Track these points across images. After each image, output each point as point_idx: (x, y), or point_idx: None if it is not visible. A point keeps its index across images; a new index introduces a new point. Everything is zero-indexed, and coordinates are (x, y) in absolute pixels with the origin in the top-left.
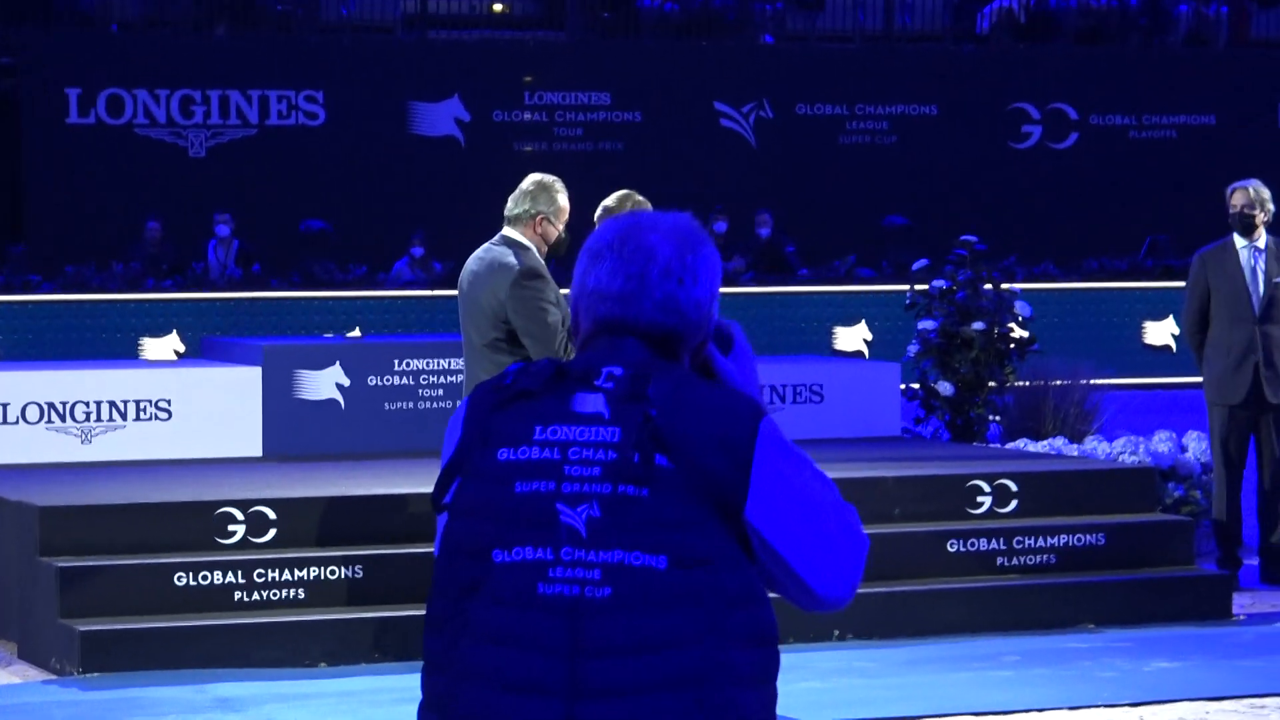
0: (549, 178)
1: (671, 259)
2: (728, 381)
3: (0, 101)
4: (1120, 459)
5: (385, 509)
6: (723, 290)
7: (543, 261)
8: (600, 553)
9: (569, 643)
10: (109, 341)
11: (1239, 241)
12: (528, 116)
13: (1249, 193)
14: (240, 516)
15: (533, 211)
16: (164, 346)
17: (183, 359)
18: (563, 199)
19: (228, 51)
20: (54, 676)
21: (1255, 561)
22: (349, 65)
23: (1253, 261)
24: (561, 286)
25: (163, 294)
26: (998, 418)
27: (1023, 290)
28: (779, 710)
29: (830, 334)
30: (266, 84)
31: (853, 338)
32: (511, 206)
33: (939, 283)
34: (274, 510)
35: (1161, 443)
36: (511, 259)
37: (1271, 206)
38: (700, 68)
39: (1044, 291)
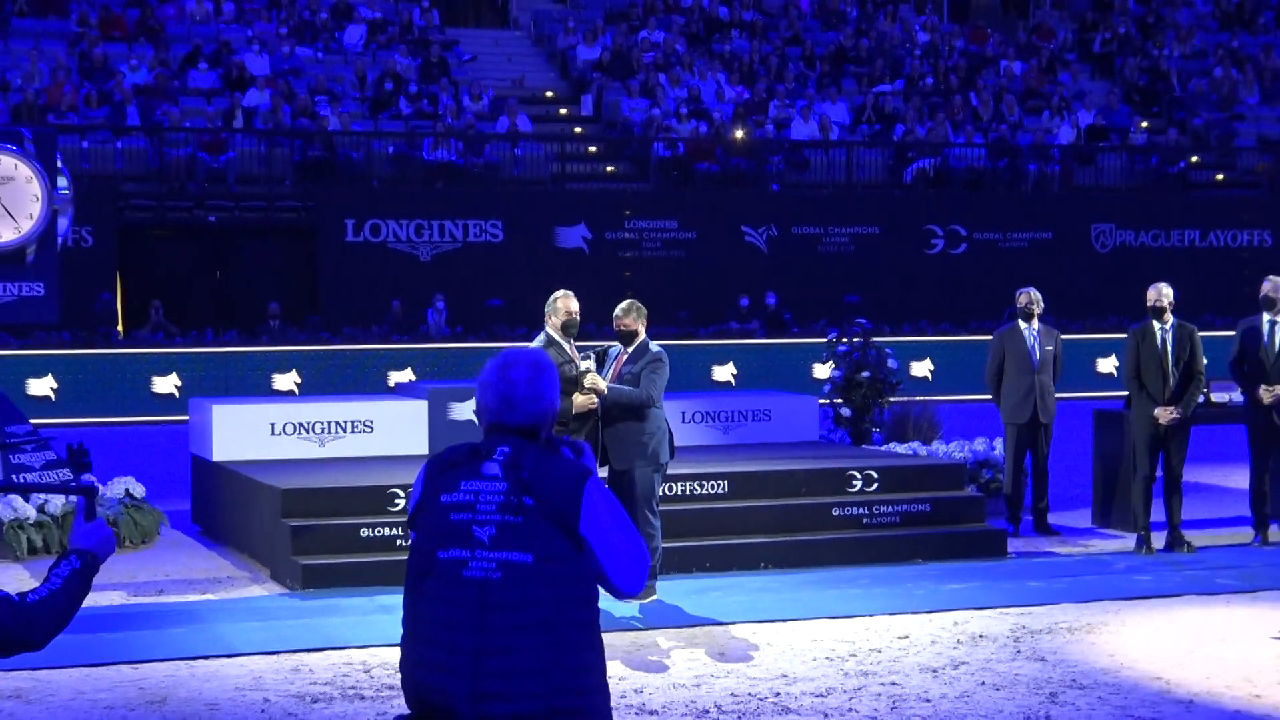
0: (556, 293)
1: (527, 386)
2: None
3: (303, 228)
4: (950, 455)
5: None
6: (742, 341)
7: (547, 338)
8: (497, 553)
9: (479, 604)
10: (370, 375)
11: (1022, 325)
12: (627, 235)
13: (1030, 294)
14: (402, 494)
15: (547, 312)
16: (403, 376)
17: (387, 393)
18: (558, 303)
19: (444, 197)
20: (287, 591)
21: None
22: (519, 204)
23: (1032, 339)
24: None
25: (400, 344)
26: (878, 429)
27: (918, 341)
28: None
29: (811, 369)
30: (468, 215)
31: (824, 371)
32: None
33: (842, 348)
34: None
35: (980, 443)
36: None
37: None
38: (732, 204)
39: (941, 343)
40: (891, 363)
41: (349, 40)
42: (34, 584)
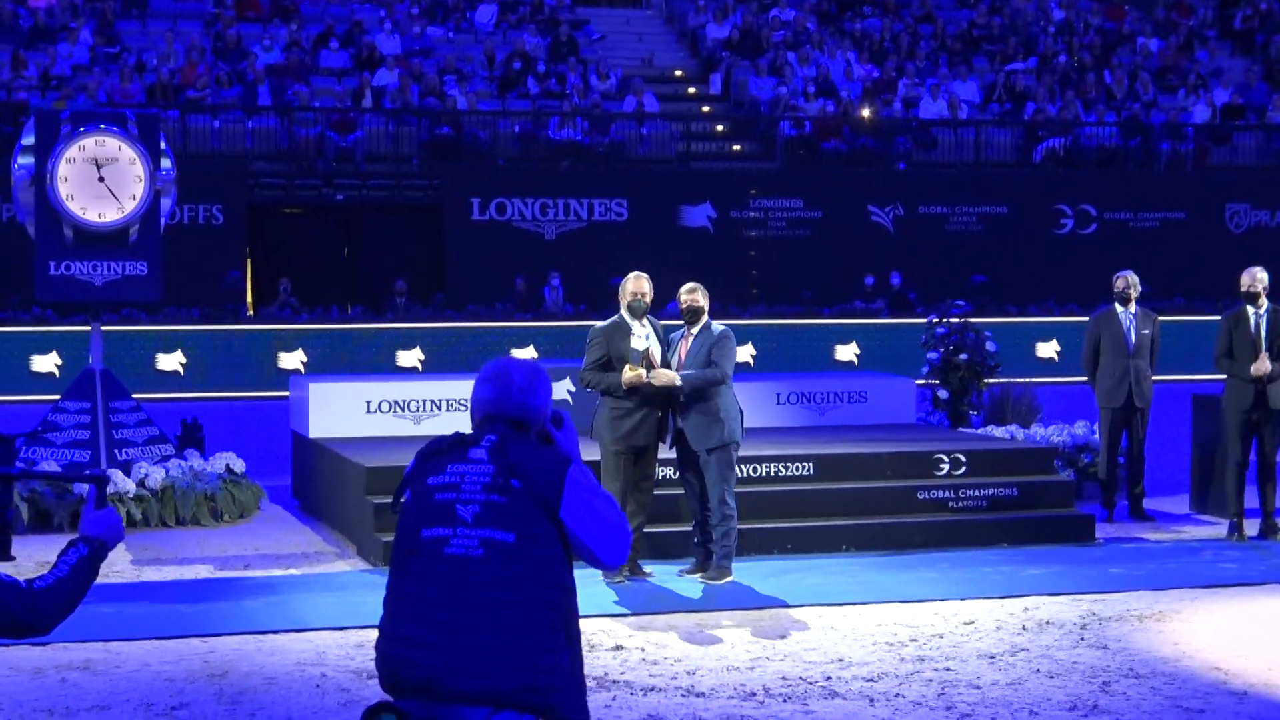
0: (629, 274)
1: (522, 384)
2: (558, 445)
3: (430, 207)
4: (1047, 439)
5: None
6: (866, 320)
7: (613, 322)
8: (479, 530)
9: (458, 580)
10: (493, 352)
11: (1119, 308)
12: (752, 215)
13: (1128, 278)
14: None
15: (619, 293)
16: (525, 354)
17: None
18: (629, 285)
19: (570, 175)
20: (370, 567)
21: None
22: (644, 182)
23: (1128, 323)
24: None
25: (521, 322)
26: (976, 411)
27: (1045, 322)
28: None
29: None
30: (592, 194)
31: None
32: None
33: (941, 330)
34: None
35: (1080, 427)
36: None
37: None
38: (859, 183)
39: (1068, 323)
40: (990, 345)
41: (480, 19)
42: (130, 556)
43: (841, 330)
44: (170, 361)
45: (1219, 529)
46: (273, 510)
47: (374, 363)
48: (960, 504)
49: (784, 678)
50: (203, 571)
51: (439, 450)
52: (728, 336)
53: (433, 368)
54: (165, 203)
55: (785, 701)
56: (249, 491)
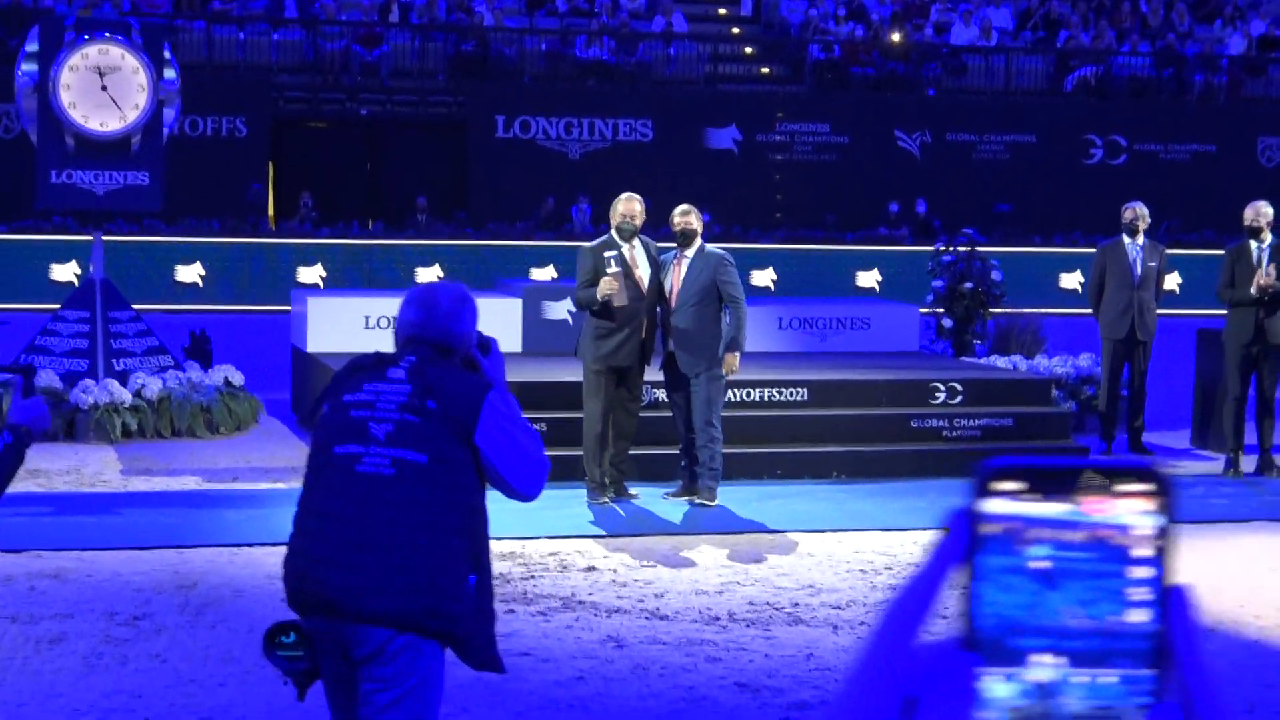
0: (620, 195)
1: (447, 309)
2: (484, 371)
3: (454, 124)
4: (1050, 369)
5: (564, 389)
6: (889, 248)
7: (601, 242)
8: (391, 449)
9: (366, 498)
10: (512, 271)
11: (1126, 240)
12: (778, 138)
13: (1136, 209)
14: None
15: (610, 213)
16: (544, 274)
17: (488, 289)
18: (620, 206)
19: (595, 94)
20: None
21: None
22: (669, 104)
23: (1135, 254)
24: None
25: (541, 241)
26: (978, 341)
27: (1070, 253)
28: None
29: None
30: (618, 114)
31: None
32: None
33: (947, 258)
34: None
35: (1085, 359)
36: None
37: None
38: (887, 109)
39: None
40: (995, 274)
41: None
42: (120, 466)
43: (864, 257)
44: (189, 273)
45: (1217, 464)
46: (270, 424)
47: (394, 279)
48: (954, 433)
49: (751, 603)
50: (190, 483)
51: (359, 368)
52: (729, 262)
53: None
54: (169, 113)
55: (748, 627)
56: (246, 405)
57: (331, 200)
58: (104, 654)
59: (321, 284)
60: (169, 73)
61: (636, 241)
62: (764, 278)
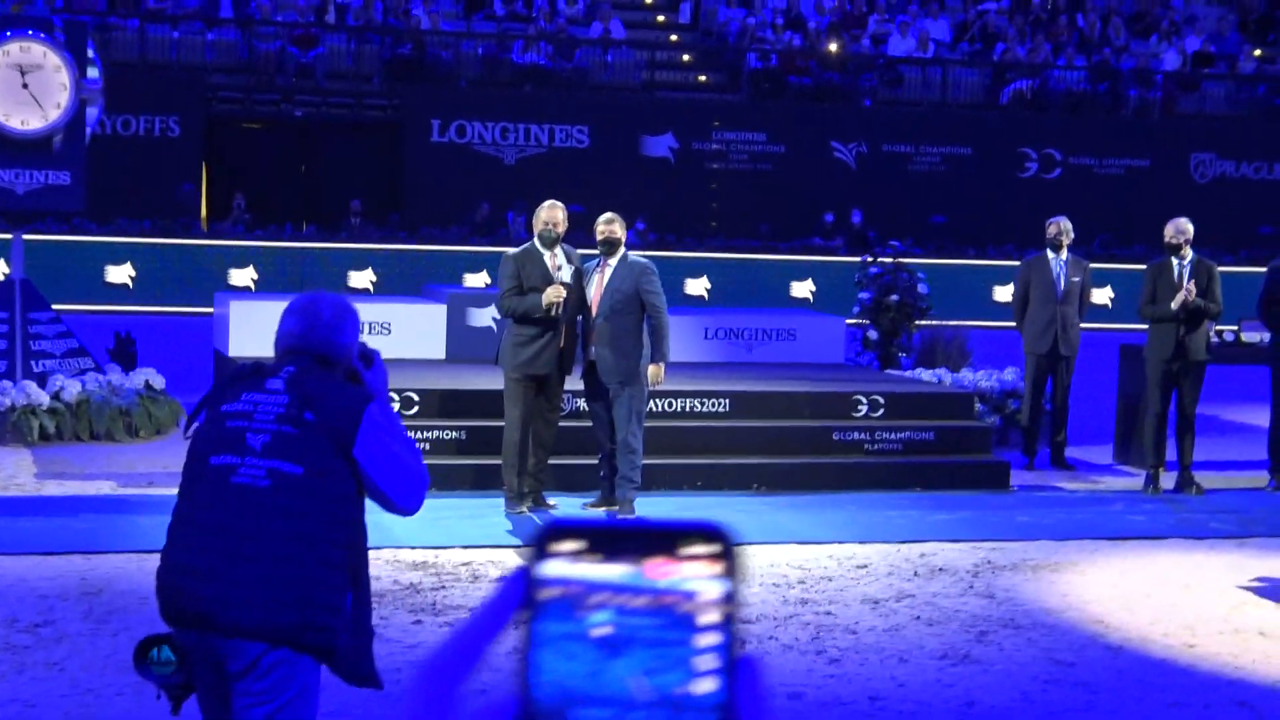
0: (543, 203)
1: (329, 319)
2: (366, 383)
3: (389, 126)
4: (975, 383)
5: (485, 397)
6: (824, 258)
7: (524, 249)
8: (267, 460)
9: (241, 509)
10: (445, 276)
11: (1050, 255)
12: (714, 146)
13: (1060, 224)
14: (397, 397)
15: (532, 221)
16: (478, 280)
17: (409, 295)
18: (542, 214)
19: (532, 100)
20: None
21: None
22: (605, 110)
23: (1059, 269)
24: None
25: (478, 247)
26: (904, 354)
27: (1005, 266)
28: None
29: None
30: (554, 120)
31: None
32: None
33: (874, 269)
34: (416, 394)
35: (1010, 373)
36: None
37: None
38: (822, 119)
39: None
40: (922, 287)
41: None
42: (35, 469)
43: (798, 267)
44: (119, 274)
45: (1138, 480)
46: None
47: (326, 282)
48: (875, 446)
49: None
50: (105, 488)
51: (237, 378)
52: (652, 270)
53: (385, 289)
54: (91, 112)
55: None
56: (167, 408)
57: (265, 202)
58: (1, 661)
59: (253, 286)
60: (92, 71)
61: (558, 249)
62: (698, 286)
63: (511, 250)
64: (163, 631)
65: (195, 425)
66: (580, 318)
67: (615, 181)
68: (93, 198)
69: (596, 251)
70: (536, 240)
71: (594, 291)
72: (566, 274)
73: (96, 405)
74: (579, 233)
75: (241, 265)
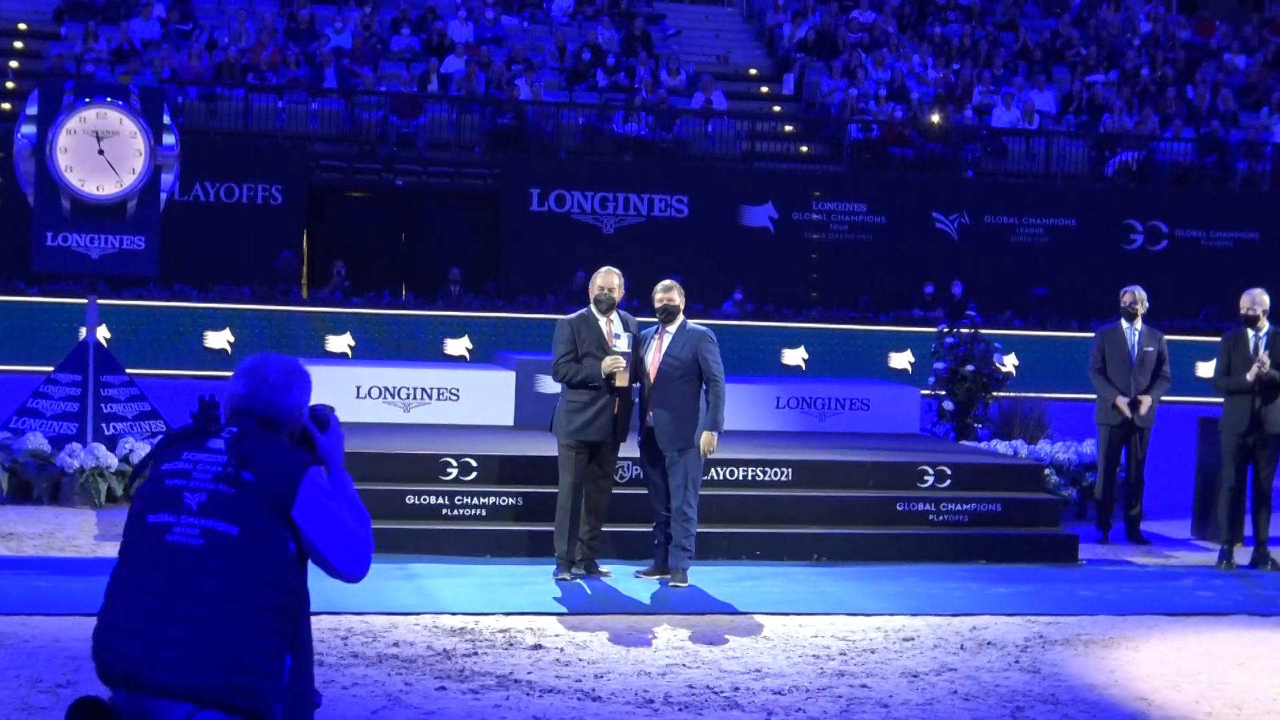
0: (600, 269)
1: (275, 381)
2: (318, 447)
3: (489, 195)
4: (1052, 455)
5: (544, 463)
6: (923, 329)
7: (580, 315)
8: (203, 520)
9: (173, 568)
10: (541, 343)
11: (1124, 324)
12: (814, 217)
13: (1135, 293)
14: (455, 463)
15: (589, 287)
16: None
17: (481, 362)
18: (598, 279)
19: (632, 169)
20: None
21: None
22: (705, 180)
23: (1133, 340)
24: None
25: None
26: (981, 425)
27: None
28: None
29: None
30: (653, 190)
31: (899, 360)
32: None
33: (950, 340)
34: (474, 460)
35: (1089, 445)
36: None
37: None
38: (924, 190)
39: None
40: (997, 357)
41: (556, 10)
42: (96, 531)
43: (897, 337)
44: (218, 339)
45: (1214, 556)
46: None
47: (422, 350)
48: (940, 518)
49: (691, 686)
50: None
51: (180, 437)
52: (711, 339)
53: (479, 357)
54: (166, 178)
55: (680, 710)
56: None
57: (364, 270)
58: None
59: (350, 353)
60: (168, 138)
61: (614, 315)
62: (795, 356)
63: (567, 317)
64: (94, 693)
65: (137, 484)
66: (638, 385)
67: (714, 251)
68: (193, 264)
69: (654, 319)
70: (592, 306)
71: (652, 358)
72: (624, 342)
73: None
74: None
75: (339, 332)
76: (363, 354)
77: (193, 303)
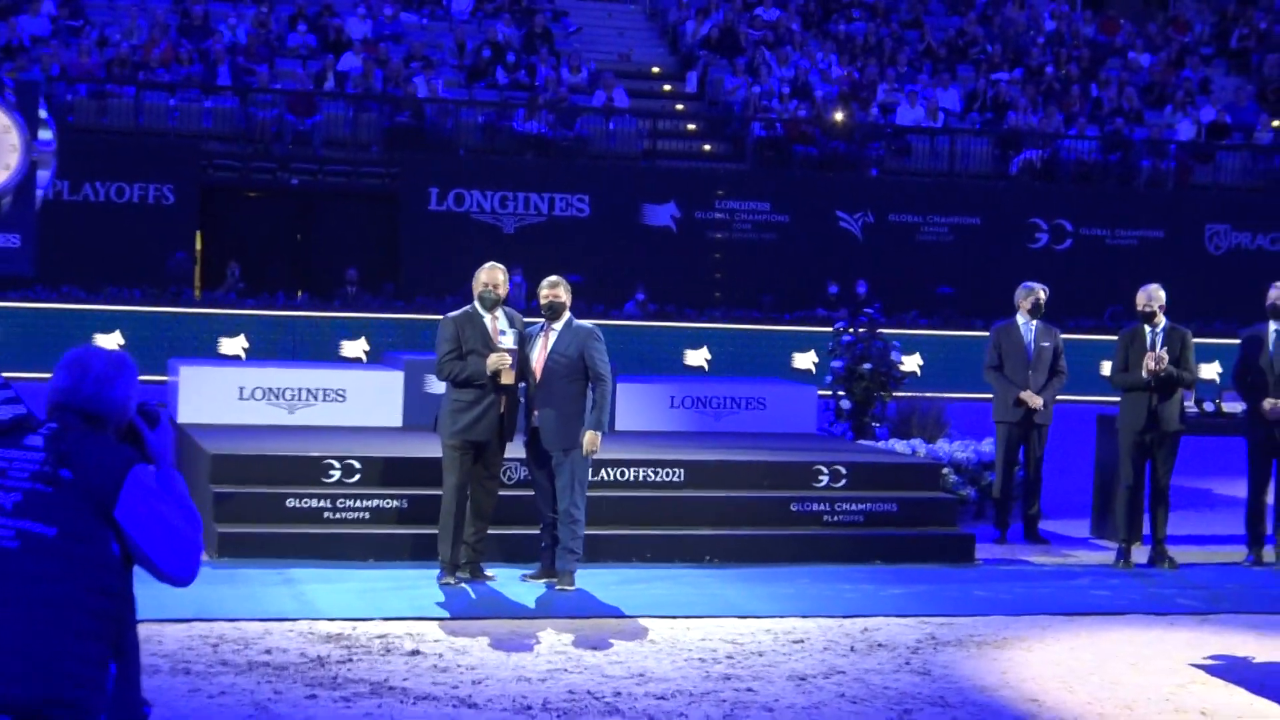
0: (483, 265)
1: (99, 374)
2: (147, 444)
3: (387, 195)
4: (952, 454)
5: (430, 465)
6: (827, 329)
7: (464, 312)
8: (17, 521)
9: None
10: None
11: (1020, 320)
12: (717, 216)
13: (1033, 289)
14: (338, 465)
15: (473, 283)
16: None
17: (366, 362)
18: (482, 275)
19: (532, 168)
20: (205, 559)
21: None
22: (607, 179)
23: (1029, 336)
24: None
25: None
26: (878, 424)
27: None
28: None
29: None
30: (554, 189)
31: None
32: None
33: (846, 337)
34: (358, 462)
35: (988, 444)
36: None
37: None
38: (828, 188)
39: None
40: (894, 355)
41: (456, 7)
42: None
43: (800, 338)
44: (108, 342)
45: (1112, 555)
46: None
47: (318, 351)
48: (835, 518)
49: (571, 691)
50: None
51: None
52: (598, 337)
53: (377, 359)
54: (43, 174)
55: (559, 716)
56: None
57: (260, 271)
58: None
59: (244, 355)
60: (44, 133)
61: (499, 312)
62: (698, 357)
63: (451, 314)
64: None
65: None
66: (523, 384)
67: (616, 251)
68: (82, 265)
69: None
70: (477, 303)
71: (538, 356)
72: (510, 339)
73: None
74: (580, 302)
75: (233, 334)
76: (257, 356)
77: (81, 304)
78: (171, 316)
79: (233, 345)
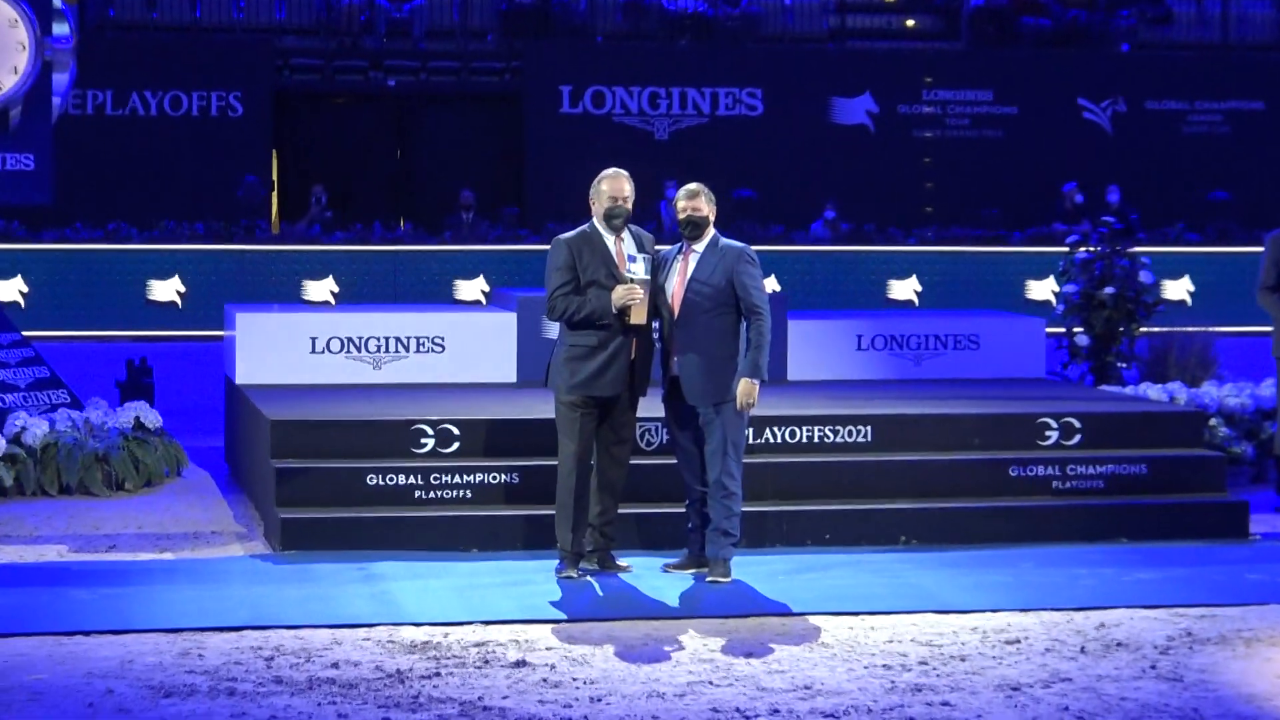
0: (604, 172)
1: None
2: None
3: (507, 96)
4: (1221, 401)
5: (543, 429)
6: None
7: (581, 233)
8: None
9: None
10: None
11: None
12: (926, 110)
13: None
14: (432, 431)
15: (591, 196)
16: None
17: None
18: (604, 185)
19: (688, 56)
20: (269, 552)
21: None
22: (783, 68)
23: None
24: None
25: None
26: (1125, 365)
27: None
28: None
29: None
30: (717, 83)
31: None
32: None
33: (1083, 254)
34: (456, 427)
35: (1266, 387)
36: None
37: None
38: (1067, 71)
39: None
40: (1145, 276)
41: None
42: None
43: (1035, 261)
44: (165, 290)
45: None
46: (197, 476)
47: (426, 294)
48: (1067, 485)
49: (715, 710)
50: (50, 554)
51: None
52: (751, 259)
53: (499, 302)
54: (60, 79)
55: None
56: (161, 452)
57: (350, 196)
58: None
59: (333, 301)
60: (60, 27)
61: (627, 232)
62: (906, 289)
63: (564, 235)
64: None
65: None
66: (658, 323)
67: (798, 158)
68: (132, 196)
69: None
70: (598, 220)
71: (674, 286)
72: (641, 266)
73: (66, 450)
74: (752, 223)
75: (319, 276)
76: (347, 300)
77: (132, 244)
78: (242, 256)
79: (320, 290)
